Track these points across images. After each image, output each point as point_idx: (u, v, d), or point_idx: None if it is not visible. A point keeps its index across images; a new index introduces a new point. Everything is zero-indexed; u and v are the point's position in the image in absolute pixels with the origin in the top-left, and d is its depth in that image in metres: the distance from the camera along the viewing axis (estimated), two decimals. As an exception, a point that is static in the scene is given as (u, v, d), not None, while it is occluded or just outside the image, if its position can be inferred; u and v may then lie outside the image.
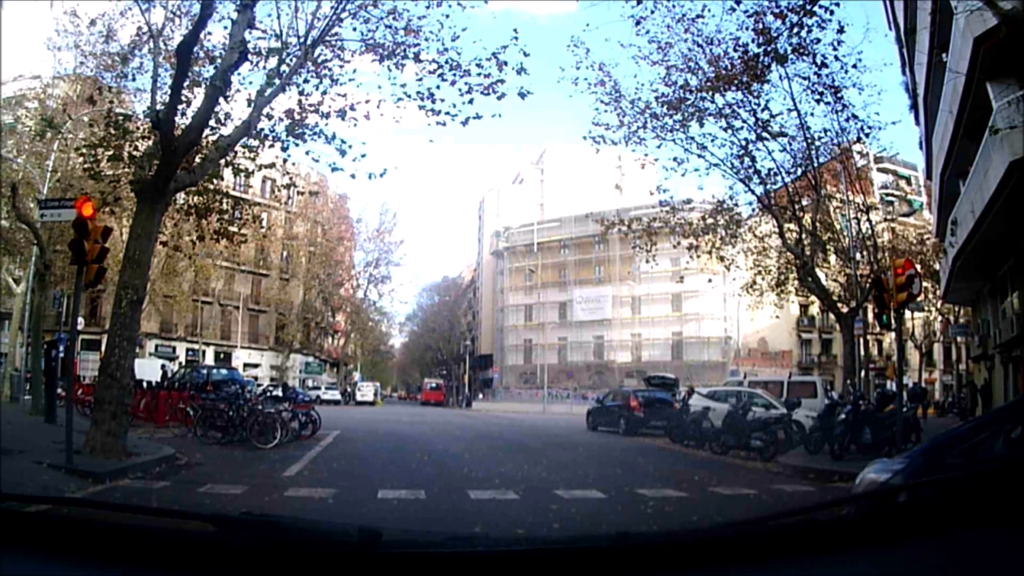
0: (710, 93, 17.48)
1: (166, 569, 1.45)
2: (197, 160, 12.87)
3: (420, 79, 13.29)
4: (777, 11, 14.49)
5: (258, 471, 10.79)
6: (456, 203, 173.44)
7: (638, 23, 16.39)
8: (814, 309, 52.09)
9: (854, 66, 16.90)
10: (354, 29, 13.57)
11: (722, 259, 21.65)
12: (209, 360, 46.61)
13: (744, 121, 18.41)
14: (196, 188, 13.91)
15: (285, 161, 14.79)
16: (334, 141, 13.29)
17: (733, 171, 19.51)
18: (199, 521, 1.76)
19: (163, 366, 31.15)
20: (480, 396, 63.88)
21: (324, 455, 13.42)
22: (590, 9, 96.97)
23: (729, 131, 18.77)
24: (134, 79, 15.18)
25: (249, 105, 12.59)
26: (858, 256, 22.27)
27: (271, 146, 13.98)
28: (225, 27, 12.24)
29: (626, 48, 23.17)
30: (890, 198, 41.33)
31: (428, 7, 13.12)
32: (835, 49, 15.81)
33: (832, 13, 14.67)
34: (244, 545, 1.53)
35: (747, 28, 15.67)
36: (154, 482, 9.29)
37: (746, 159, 19.17)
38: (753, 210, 21.42)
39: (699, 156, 19.17)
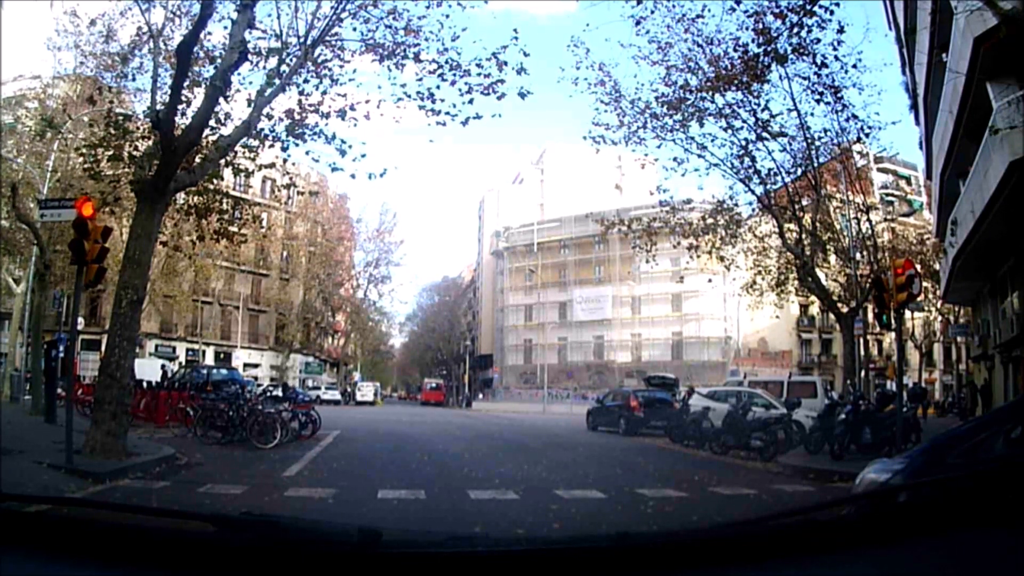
0: (710, 93, 17.49)
1: (166, 569, 1.45)
2: (197, 160, 12.87)
3: (420, 79, 13.33)
4: (777, 11, 14.51)
5: (258, 471, 10.79)
6: (456, 203, 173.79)
7: (638, 23, 16.45)
8: (814, 309, 52.08)
9: (854, 66, 16.96)
10: (354, 29, 13.61)
11: (722, 259, 21.65)
12: (209, 360, 46.59)
13: (744, 121, 18.45)
14: (196, 188, 13.91)
15: (285, 161, 14.80)
16: (334, 141, 13.32)
17: (733, 171, 19.55)
18: (199, 521, 1.76)
19: (163, 366, 31.11)
20: (480, 396, 63.87)
21: (324, 455, 13.41)
22: (590, 9, 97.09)
23: (729, 131, 18.83)
24: (134, 79, 15.23)
25: (249, 105, 12.59)
26: (858, 256, 22.26)
27: (271, 146, 13.99)
28: (225, 27, 12.27)
29: (626, 48, 23.26)
30: (890, 198, 41.31)
31: (428, 7, 13.16)
32: (835, 49, 15.87)
33: (832, 13, 14.72)
34: (244, 545, 1.53)
35: (747, 28, 15.72)
36: (154, 482, 9.29)
37: (746, 159, 19.20)
38: (753, 210, 21.44)
39: (699, 156, 19.21)
